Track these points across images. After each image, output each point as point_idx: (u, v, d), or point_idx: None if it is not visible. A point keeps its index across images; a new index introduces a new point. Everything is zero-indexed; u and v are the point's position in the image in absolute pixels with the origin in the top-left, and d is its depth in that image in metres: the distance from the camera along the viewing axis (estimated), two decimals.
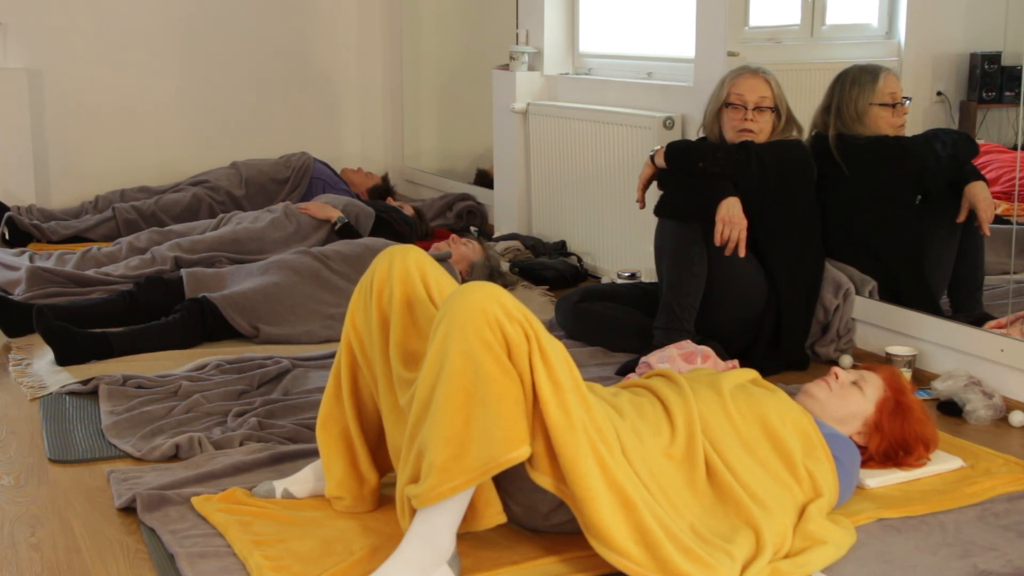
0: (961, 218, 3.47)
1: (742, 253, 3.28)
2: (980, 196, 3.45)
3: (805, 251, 3.45)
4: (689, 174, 3.39)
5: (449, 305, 1.98)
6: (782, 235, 3.40)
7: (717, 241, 3.27)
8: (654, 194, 3.51)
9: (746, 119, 3.41)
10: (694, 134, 3.96)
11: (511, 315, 1.95)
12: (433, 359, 1.97)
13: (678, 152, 3.44)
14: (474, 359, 1.93)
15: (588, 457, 1.95)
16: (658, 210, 3.43)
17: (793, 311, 3.40)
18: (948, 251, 3.54)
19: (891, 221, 3.57)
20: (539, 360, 1.95)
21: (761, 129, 3.42)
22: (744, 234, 3.27)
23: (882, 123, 3.56)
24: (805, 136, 3.59)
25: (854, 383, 2.51)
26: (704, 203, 3.31)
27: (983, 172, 3.55)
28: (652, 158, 3.51)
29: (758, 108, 3.42)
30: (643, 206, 3.61)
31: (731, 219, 3.26)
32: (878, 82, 3.54)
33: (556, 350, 1.99)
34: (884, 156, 3.54)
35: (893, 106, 3.55)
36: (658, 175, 3.52)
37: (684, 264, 3.32)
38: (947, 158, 3.56)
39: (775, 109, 3.44)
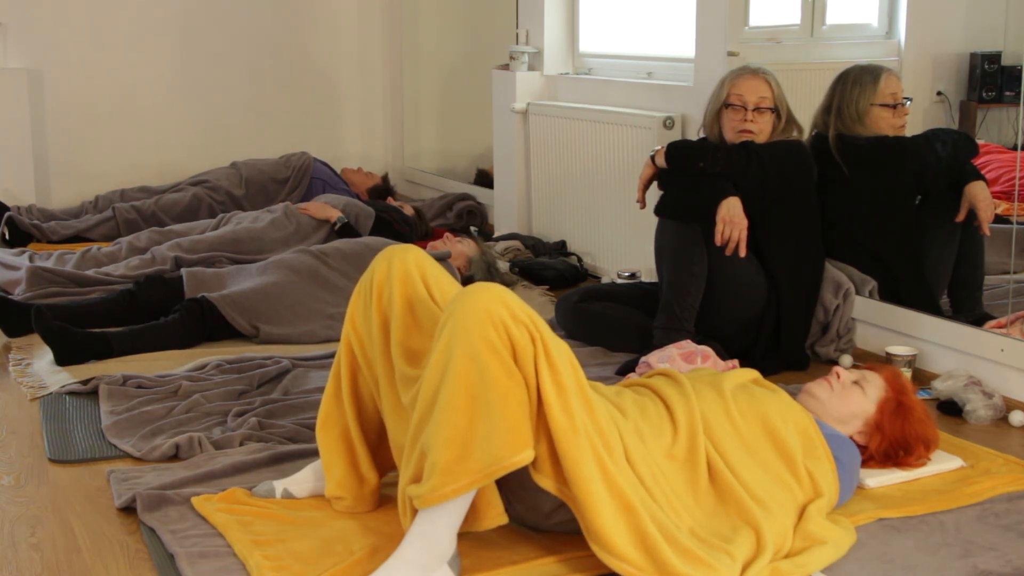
0: (960, 218, 3.47)
1: (742, 253, 3.28)
2: (980, 196, 3.45)
3: (805, 251, 3.44)
4: (689, 174, 3.39)
5: (454, 306, 1.98)
6: (782, 235, 3.40)
7: (718, 241, 3.27)
8: (654, 194, 3.51)
9: (746, 120, 3.41)
10: (694, 134, 3.96)
11: (517, 317, 1.95)
12: (438, 360, 1.97)
13: (678, 152, 3.44)
14: (479, 361, 1.92)
15: (590, 461, 1.95)
16: (658, 210, 3.43)
17: (793, 311, 3.40)
18: (948, 251, 3.54)
19: (891, 221, 3.57)
20: (544, 363, 1.95)
21: (761, 130, 3.42)
22: (744, 234, 3.27)
23: (883, 123, 3.55)
24: (805, 136, 3.59)
25: (855, 383, 2.51)
26: (704, 203, 3.31)
27: (983, 172, 3.54)
28: (652, 158, 3.51)
29: (758, 109, 3.41)
30: (643, 206, 3.61)
31: (732, 219, 3.26)
32: (879, 82, 3.54)
33: (561, 352, 1.99)
34: (884, 157, 3.54)
35: (894, 107, 3.54)
36: (658, 175, 3.52)
37: (684, 264, 3.32)
38: (947, 158, 3.56)
39: (775, 110, 3.43)
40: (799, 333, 3.44)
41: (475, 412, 1.93)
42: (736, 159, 3.33)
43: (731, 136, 3.45)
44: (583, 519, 1.97)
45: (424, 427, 1.98)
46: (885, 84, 3.54)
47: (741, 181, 3.32)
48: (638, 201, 3.62)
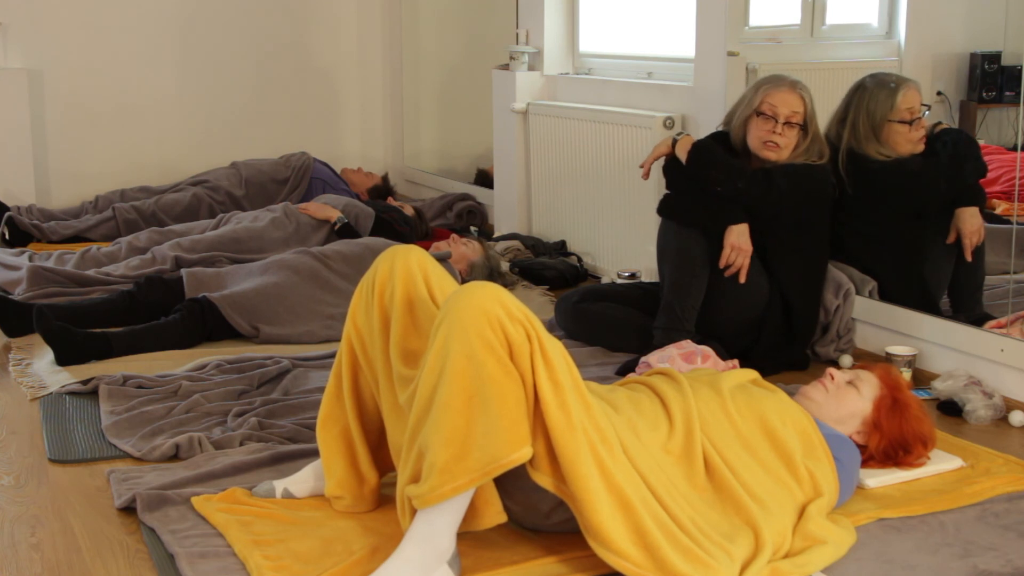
0: (951, 240, 3.44)
1: (742, 279, 3.29)
2: (968, 223, 3.41)
3: (814, 264, 3.44)
4: (703, 187, 3.37)
5: (450, 305, 1.98)
6: (791, 251, 3.38)
7: (721, 264, 3.28)
8: (654, 187, 3.50)
9: (774, 132, 3.34)
10: (694, 134, 3.94)
11: (512, 315, 1.95)
12: (434, 359, 1.97)
13: (702, 160, 3.38)
14: (476, 360, 1.92)
15: (587, 458, 1.95)
16: (663, 211, 3.42)
17: (801, 319, 3.40)
18: (946, 263, 3.50)
19: (889, 239, 3.53)
20: (540, 360, 1.95)
21: (786, 144, 3.36)
22: (748, 261, 3.29)
23: (899, 139, 3.47)
24: (827, 158, 3.43)
25: (850, 383, 2.51)
26: (712, 222, 3.31)
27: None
28: (675, 142, 3.47)
29: (788, 123, 3.34)
30: (647, 177, 3.59)
31: (740, 246, 3.27)
32: (896, 98, 3.44)
33: (556, 350, 1.99)
34: (890, 184, 3.46)
35: (911, 122, 3.45)
36: (670, 163, 3.49)
37: (686, 265, 3.32)
38: (952, 181, 3.49)
39: (803, 126, 3.38)
40: (804, 339, 3.45)
41: (472, 411, 1.93)
42: (754, 192, 3.30)
43: (755, 145, 3.39)
44: (581, 516, 1.98)
45: (422, 427, 1.98)
46: (902, 100, 3.44)
47: (755, 207, 3.31)
48: (642, 166, 3.59)
